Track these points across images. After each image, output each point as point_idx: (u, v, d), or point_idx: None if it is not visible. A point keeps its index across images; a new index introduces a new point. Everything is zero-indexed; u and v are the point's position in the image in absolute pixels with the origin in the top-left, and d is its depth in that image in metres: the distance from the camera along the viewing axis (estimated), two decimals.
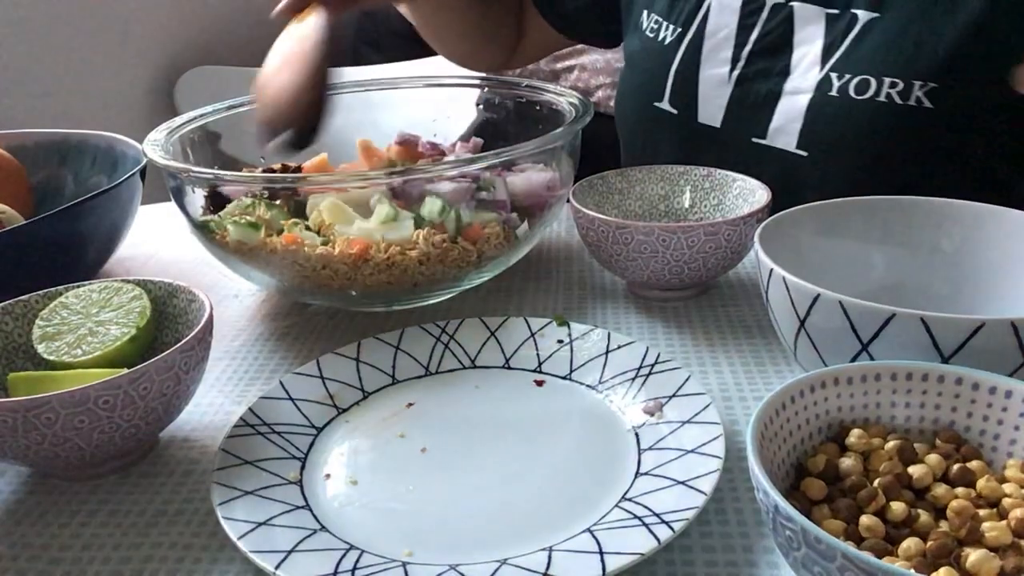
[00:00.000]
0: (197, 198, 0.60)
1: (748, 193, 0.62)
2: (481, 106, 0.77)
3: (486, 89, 0.76)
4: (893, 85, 0.62)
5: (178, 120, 0.65)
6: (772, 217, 0.49)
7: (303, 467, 0.44)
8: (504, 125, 0.74)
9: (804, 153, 0.67)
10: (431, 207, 0.57)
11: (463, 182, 0.58)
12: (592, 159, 0.70)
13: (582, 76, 1.98)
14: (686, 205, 0.66)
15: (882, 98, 0.62)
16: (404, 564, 0.36)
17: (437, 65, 0.74)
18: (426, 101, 0.77)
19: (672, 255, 0.56)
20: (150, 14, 1.73)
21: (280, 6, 0.62)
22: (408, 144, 0.69)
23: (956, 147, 0.64)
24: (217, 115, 0.69)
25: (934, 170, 0.64)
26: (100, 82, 1.63)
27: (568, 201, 0.62)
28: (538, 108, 0.70)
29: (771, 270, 0.43)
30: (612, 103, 2.03)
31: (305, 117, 0.55)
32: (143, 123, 0.87)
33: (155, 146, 0.59)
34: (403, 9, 0.86)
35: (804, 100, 0.67)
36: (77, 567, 0.39)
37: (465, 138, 0.72)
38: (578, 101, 0.64)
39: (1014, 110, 0.62)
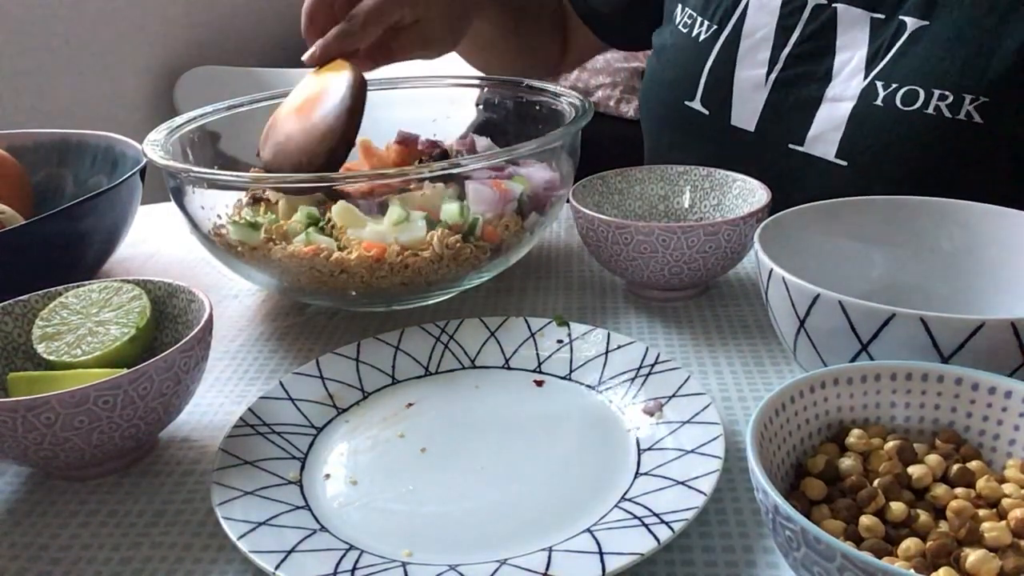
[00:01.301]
0: (199, 197, 0.60)
1: (748, 193, 0.62)
2: (481, 106, 0.77)
3: (486, 89, 0.76)
4: (943, 98, 0.59)
5: (178, 120, 0.65)
6: (772, 217, 0.49)
7: (303, 467, 0.44)
8: (504, 125, 0.74)
9: (844, 163, 0.64)
10: (450, 211, 0.57)
11: (503, 195, 0.59)
12: (592, 159, 0.70)
13: (582, 76, 1.98)
14: (686, 205, 0.66)
15: (930, 110, 0.60)
16: (404, 564, 0.36)
17: (437, 65, 0.74)
18: (426, 101, 0.77)
19: (672, 255, 0.56)
20: (150, 14, 1.73)
21: (309, 53, 0.64)
22: (407, 143, 0.69)
23: (1004, 165, 0.61)
24: (217, 115, 0.69)
25: (978, 187, 0.61)
26: (100, 82, 1.63)
27: (568, 201, 0.62)
28: (538, 108, 0.70)
29: (771, 270, 0.43)
30: (612, 103, 2.04)
31: (322, 161, 0.58)
32: (143, 123, 0.87)
33: (155, 146, 0.59)
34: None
35: (846, 108, 0.64)
36: (77, 567, 0.39)
37: (464, 137, 0.72)
38: (578, 101, 0.64)
39: None
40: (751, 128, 0.70)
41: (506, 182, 0.60)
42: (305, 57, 0.64)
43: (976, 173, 0.62)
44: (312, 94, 0.62)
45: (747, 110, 0.70)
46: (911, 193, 0.53)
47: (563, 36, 0.95)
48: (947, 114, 0.60)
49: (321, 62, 0.64)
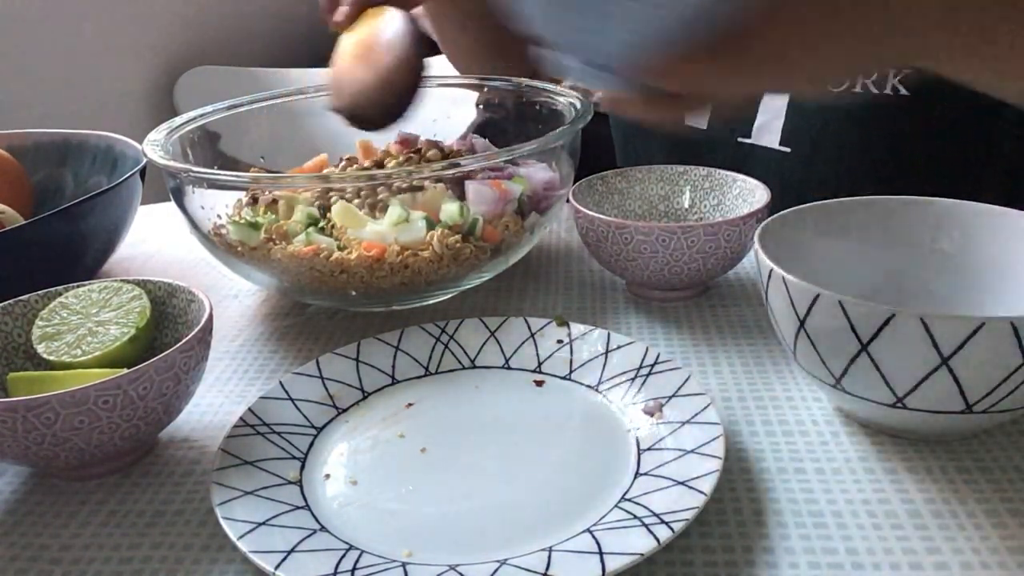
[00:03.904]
0: (199, 197, 0.60)
1: (748, 193, 0.62)
2: (481, 106, 0.77)
3: (486, 89, 0.76)
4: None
5: (178, 120, 0.65)
6: (772, 217, 0.49)
7: (303, 467, 0.44)
8: (504, 125, 0.74)
9: (788, 149, 0.68)
10: (450, 211, 0.56)
11: (503, 195, 0.59)
12: (592, 159, 0.70)
13: None
14: (686, 205, 0.66)
15: (857, 88, 0.63)
16: (404, 564, 0.36)
17: (437, 65, 0.74)
18: (426, 101, 0.77)
19: (672, 255, 0.56)
20: (150, 14, 1.73)
21: (340, 12, 0.63)
22: (408, 143, 0.69)
23: (936, 135, 0.64)
24: (217, 115, 0.69)
25: (916, 161, 0.65)
26: (100, 82, 1.63)
27: (568, 201, 0.62)
28: (538, 108, 0.70)
29: (771, 270, 0.43)
30: None
31: (394, 99, 0.57)
32: (143, 123, 0.87)
33: (155, 146, 0.59)
34: (428, 26, 0.87)
35: (784, 97, 0.68)
36: (77, 567, 0.39)
37: (464, 137, 0.72)
38: (578, 101, 0.64)
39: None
40: (703, 126, 0.74)
41: (506, 182, 0.60)
42: (338, 17, 0.64)
43: (911, 147, 0.64)
44: (365, 39, 0.61)
45: None
46: (851, 170, 0.54)
47: None
48: (873, 90, 0.62)
49: (353, 17, 0.63)
